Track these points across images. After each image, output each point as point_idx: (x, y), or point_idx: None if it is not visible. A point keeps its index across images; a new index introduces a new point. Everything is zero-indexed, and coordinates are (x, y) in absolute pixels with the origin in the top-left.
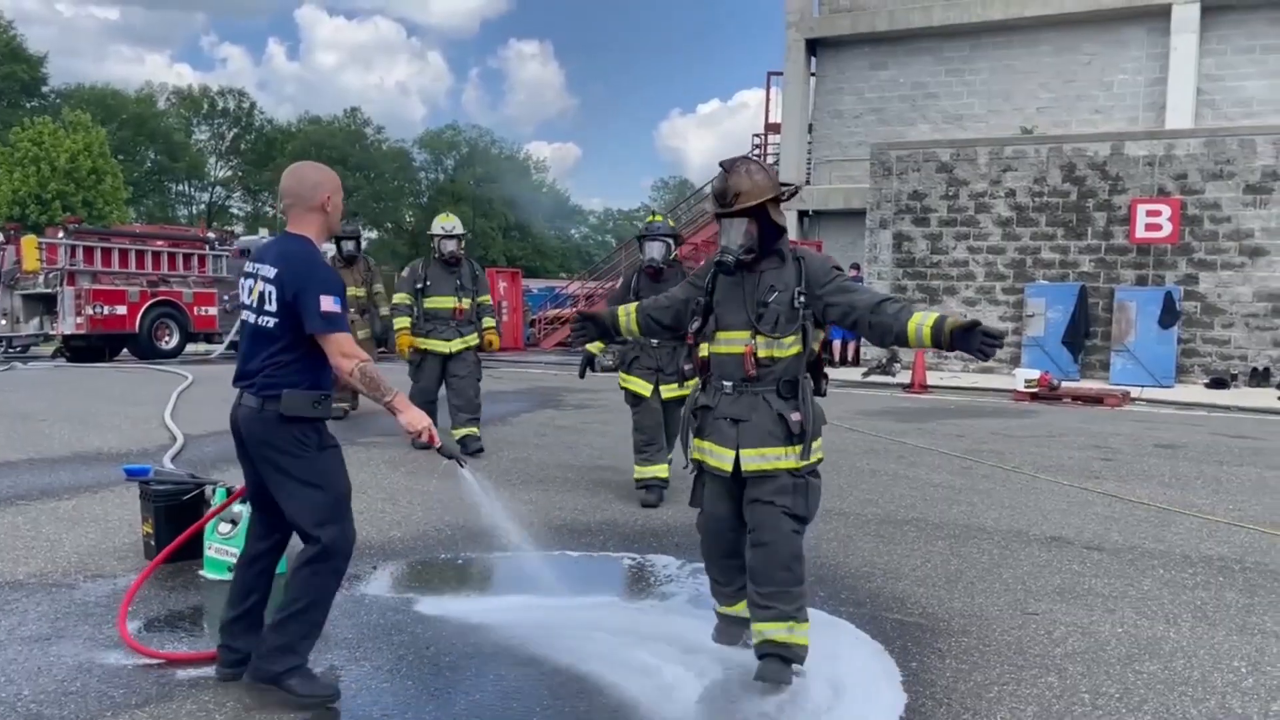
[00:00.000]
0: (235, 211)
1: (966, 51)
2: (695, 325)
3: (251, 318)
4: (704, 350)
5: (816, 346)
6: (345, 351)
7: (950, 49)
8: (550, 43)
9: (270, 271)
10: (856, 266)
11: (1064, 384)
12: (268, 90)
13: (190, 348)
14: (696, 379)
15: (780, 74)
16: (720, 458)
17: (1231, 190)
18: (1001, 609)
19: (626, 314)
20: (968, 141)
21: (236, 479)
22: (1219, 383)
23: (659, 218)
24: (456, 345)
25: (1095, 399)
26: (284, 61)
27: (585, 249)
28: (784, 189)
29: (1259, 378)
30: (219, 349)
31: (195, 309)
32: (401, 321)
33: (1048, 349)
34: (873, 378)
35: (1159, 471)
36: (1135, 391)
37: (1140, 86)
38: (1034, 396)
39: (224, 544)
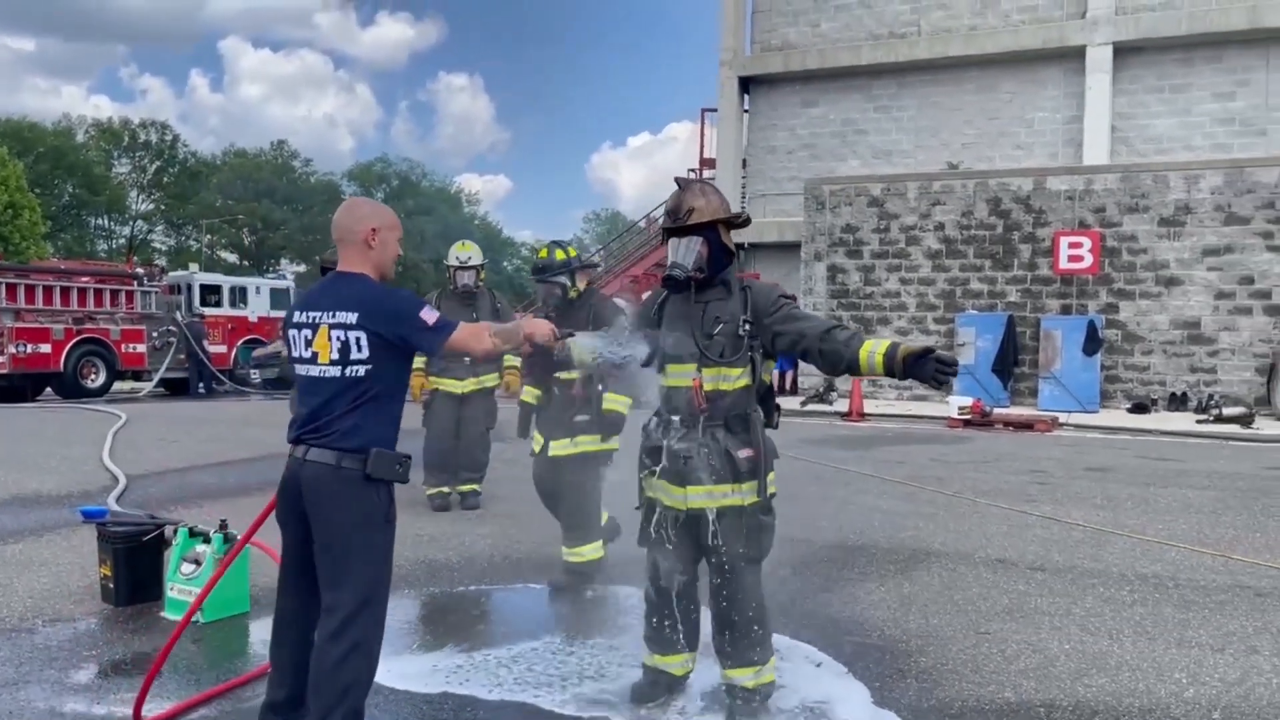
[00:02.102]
0: (158, 246)
1: (894, 89)
2: (645, 357)
3: (324, 371)
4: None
5: (767, 378)
6: (474, 337)
7: (879, 87)
8: (480, 76)
9: (352, 317)
10: (792, 298)
11: (996, 411)
12: (190, 122)
13: (118, 385)
14: (601, 435)
15: (714, 110)
16: (674, 496)
17: (1147, 223)
18: (956, 629)
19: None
20: (897, 176)
21: (192, 519)
22: (1140, 408)
23: (545, 254)
24: (470, 385)
25: (1026, 425)
26: (207, 93)
27: (518, 281)
28: (737, 215)
29: (1177, 402)
30: (148, 387)
31: (123, 346)
32: (415, 361)
33: (979, 377)
34: (811, 406)
35: (1091, 494)
36: (1063, 417)
37: (1058, 124)
38: (967, 423)
39: (187, 585)
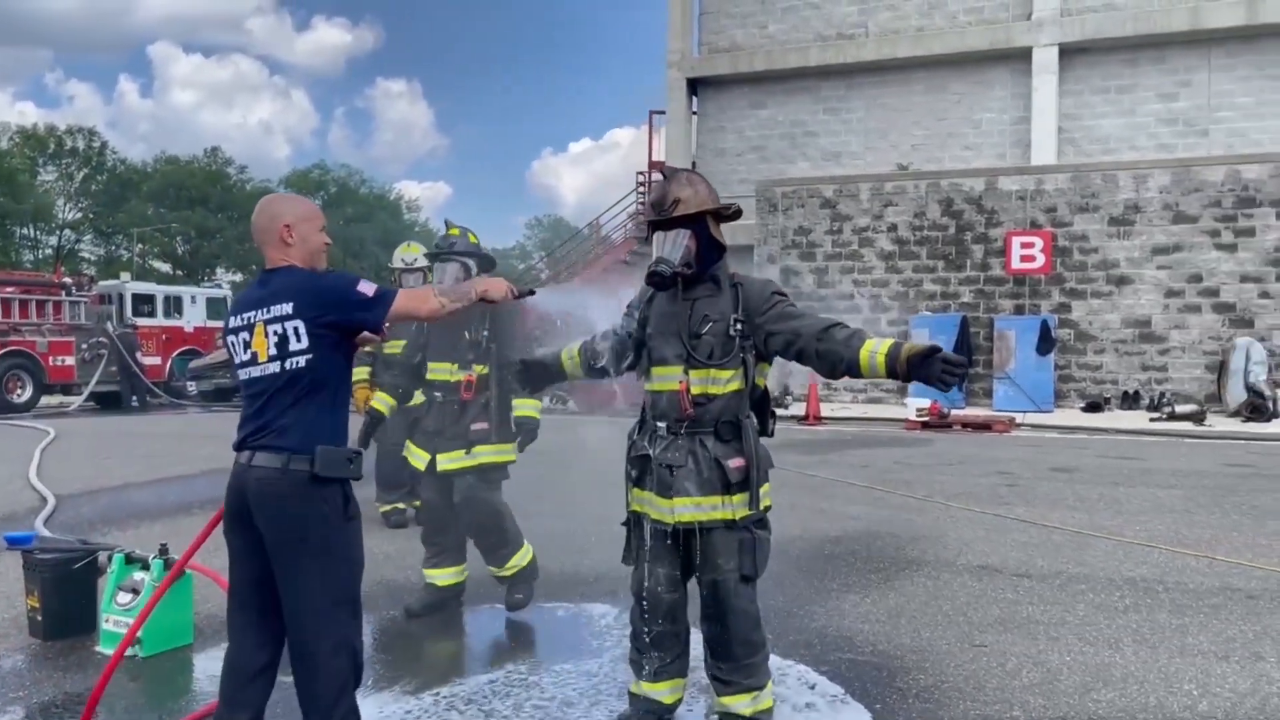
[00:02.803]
0: (86, 255)
1: (843, 91)
2: (629, 360)
3: (264, 370)
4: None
5: (761, 381)
6: (418, 300)
7: (827, 89)
8: (419, 82)
9: (287, 307)
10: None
11: (953, 412)
12: (119, 129)
13: (45, 400)
14: (502, 444)
15: (662, 112)
16: (661, 509)
17: (1097, 223)
18: (950, 643)
19: (570, 356)
20: (850, 178)
21: (128, 542)
22: (1094, 406)
23: (456, 231)
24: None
25: (984, 426)
26: (137, 99)
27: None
28: (727, 206)
29: (1130, 400)
30: (78, 401)
31: (50, 359)
32: (360, 371)
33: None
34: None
35: (1062, 495)
36: (1019, 417)
37: (1006, 125)
38: (925, 425)
39: (123, 616)
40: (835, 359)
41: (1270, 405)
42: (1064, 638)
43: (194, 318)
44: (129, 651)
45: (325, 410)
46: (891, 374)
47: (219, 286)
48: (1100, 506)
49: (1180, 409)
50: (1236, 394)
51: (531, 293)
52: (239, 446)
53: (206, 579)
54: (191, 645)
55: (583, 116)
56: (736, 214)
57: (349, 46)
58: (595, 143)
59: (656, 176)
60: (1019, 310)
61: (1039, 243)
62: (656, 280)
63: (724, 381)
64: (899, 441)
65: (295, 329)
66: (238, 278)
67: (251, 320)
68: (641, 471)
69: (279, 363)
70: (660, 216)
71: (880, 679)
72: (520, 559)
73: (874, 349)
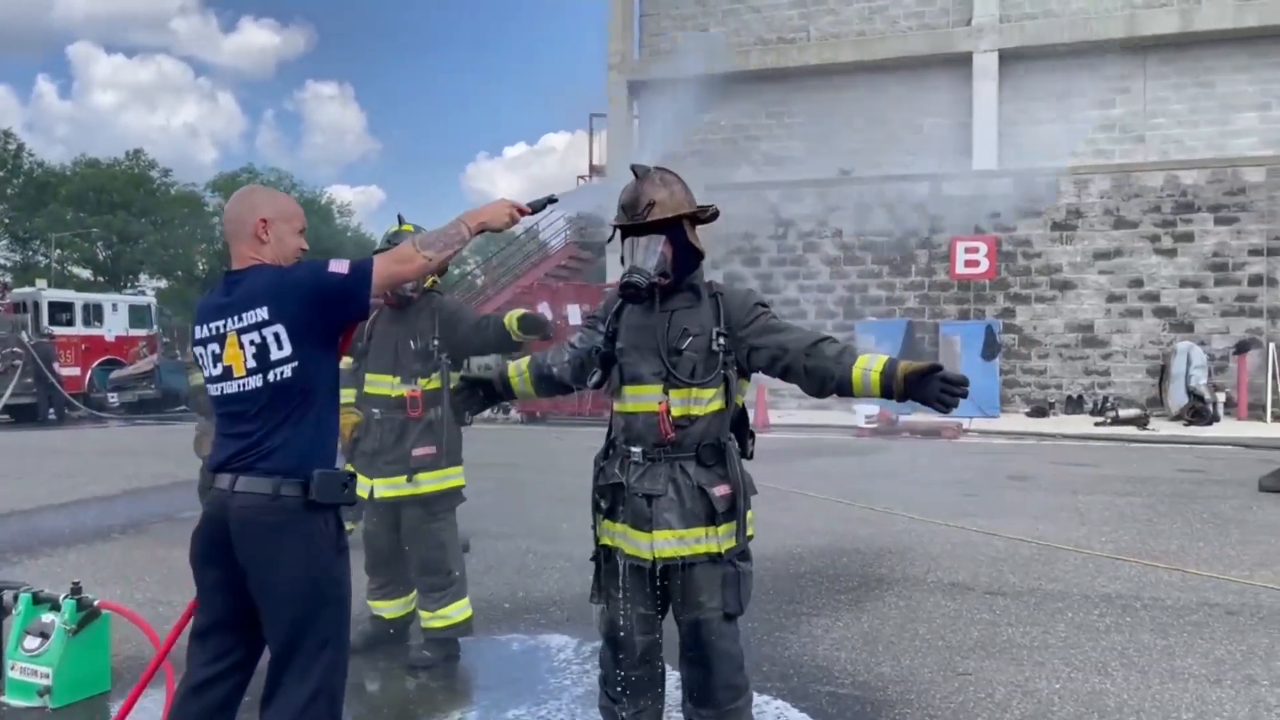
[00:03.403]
0: (1, 262)
1: (784, 95)
2: (595, 377)
3: (243, 385)
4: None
5: (740, 400)
6: (400, 260)
7: (769, 92)
8: (350, 85)
9: (262, 312)
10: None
11: (902, 418)
12: (36, 131)
13: None
14: (451, 469)
15: (602, 115)
16: (637, 544)
17: (1040, 227)
18: (932, 671)
19: (519, 373)
20: (795, 183)
21: (39, 572)
22: (1039, 411)
23: (410, 228)
24: None
25: (933, 432)
26: (55, 100)
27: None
28: (705, 208)
29: (1074, 405)
30: None
31: None
32: (345, 394)
33: None
34: None
35: (1022, 505)
36: (966, 422)
37: (947, 130)
38: (875, 432)
39: (31, 663)
40: (825, 376)
41: (1210, 409)
42: (1049, 662)
43: (115, 326)
44: (37, 702)
45: (317, 425)
46: (886, 393)
47: (142, 293)
48: (1063, 517)
49: (1124, 413)
50: (1178, 398)
51: (552, 199)
52: (219, 468)
53: (123, 619)
54: (109, 693)
55: (518, 120)
56: (714, 215)
57: (278, 48)
58: (530, 147)
59: (629, 176)
60: (964, 315)
61: (983, 248)
62: (631, 292)
63: (706, 401)
64: (851, 449)
65: (276, 335)
66: (162, 284)
67: (221, 330)
68: (613, 502)
69: (261, 375)
70: (633, 221)
71: (864, 714)
72: (455, 613)
73: (867, 366)
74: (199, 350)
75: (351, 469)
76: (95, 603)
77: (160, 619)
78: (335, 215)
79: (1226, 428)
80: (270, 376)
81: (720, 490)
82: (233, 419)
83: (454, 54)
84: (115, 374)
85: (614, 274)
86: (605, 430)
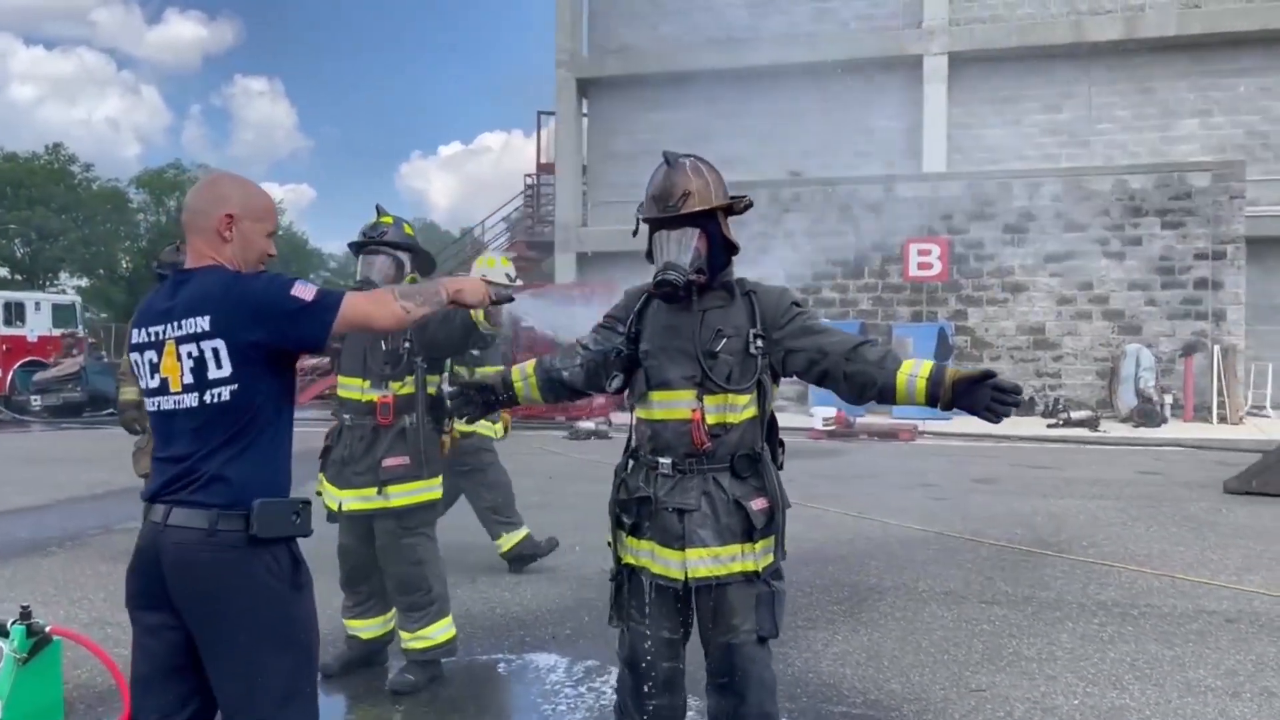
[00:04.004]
0: None
1: (736, 95)
2: (616, 382)
3: (178, 402)
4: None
5: (771, 407)
6: (375, 304)
7: (721, 92)
8: (280, 80)
9: (203, 322)
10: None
11: (858, 420)
12: None
13: None
14: (428, 480)
15: (551, 113)
16: (667, 563)
17: (993, 230)
18: (944, 687)
19: (524, 377)
20: (747, 183)
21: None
22: None
23: (389, 219)
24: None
25: (890, 434)
26: None
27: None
28: (740, 198)
29: (1025, 407)
30: None
31: None
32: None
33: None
34: None
35: (994, 509)
36: (920, 424)
37: (897, 132)
38: (831, 434)
39: None
40: (866, 382)
41: (1159, 411)
42: (1061, 676)
43: (38, 326)
44: None
45: (262, 455)
46: (932, 401)
47: (63, 292)
48: (1038, 521)
49: (1075, 415)
50: (1127, 400)
51: (510, 299)
52: (151, 498)
53: (77, 644)
54: None
55: (453, 119)
56: (748, 206)
57: (205, 41)
58: (465, 146)
59: (659, 163)
60: (916, 317)
61: (936, 250)
62: (667, 290)
63: (741, 408)
64: (810, 451)
65: (214, 350)
66: (83, 282)
67: (160, 337)
68: (638, 517)
69: (197, 394)
70: (667, 213)
71: None
72: (437, 633)
73: (912, 372)
74: (135, 357)
75: (306, 498)
76: (47, 628)
77: (111, 640)
78: None
79: (1174, 429)
80: (207, 397)
81: (758, 504)
82: (168, 439)
83: (388, 50)
84: (39, 376)
85: (564, 274)
86: (565, 433)
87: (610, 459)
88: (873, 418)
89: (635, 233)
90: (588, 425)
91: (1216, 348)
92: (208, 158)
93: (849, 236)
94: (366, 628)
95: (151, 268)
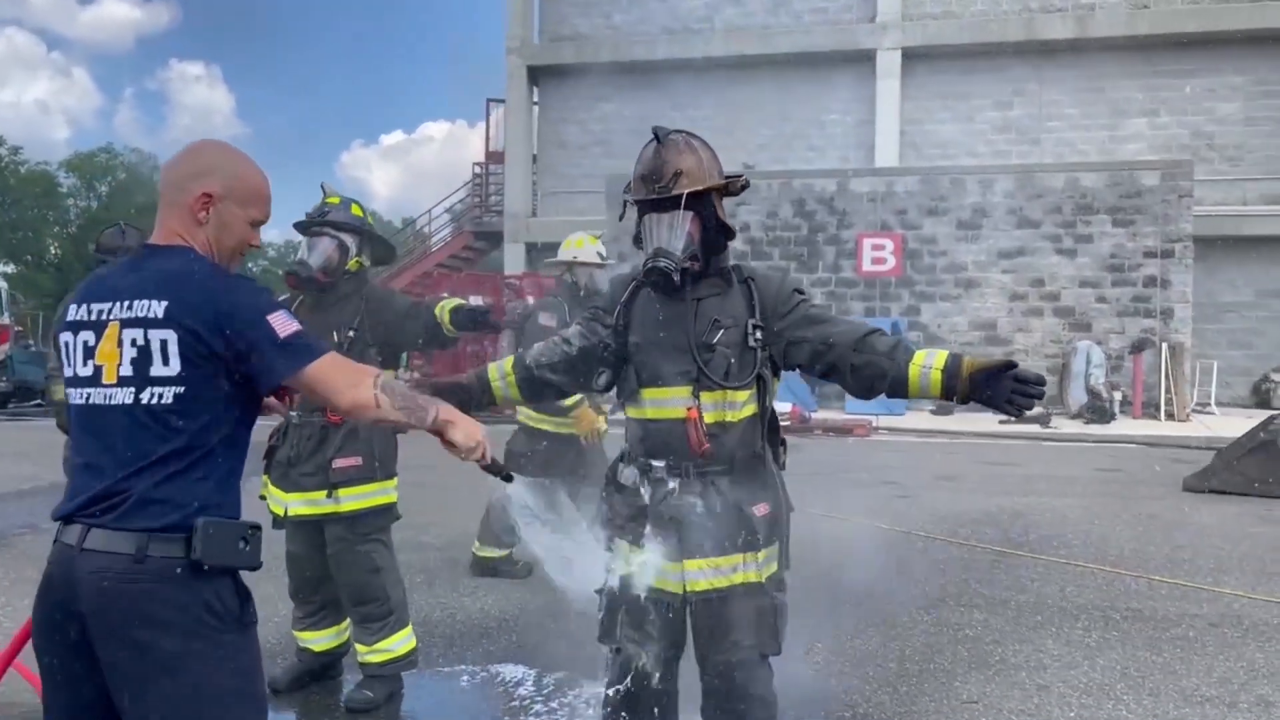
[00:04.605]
0: None
1: (689, 86)
2: (603, 379)
3: (108, 396)
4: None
5: (770, 403)
6: (347, 380)
7: (674, 83)
8: (219, 66)
9: (157, 307)
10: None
11: (813, 416)
12: None
13: None
14: (382, 483)
15: (500, 101)
16: (664, 575)
17: (947, 226)
18: (933, 698)
19: (502, 375)
20: None
21: None
22: (944, 409)
23: (336, 200)
24: None
25: (845, 430)
26: None
27: (266, 284)
28: (736, 178)
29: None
30: None
31: None
32: None
33: (787, 382)
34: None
35: (960, 507)
36: (874, 420)
37: (850, 127)
38: (786, 429)
39: None
40: (876, 375)
41: (1108, 407)
42: (1053, 685)
43: None
44: None
45: (206, 473)
46: (948, 394)
47: None
48: (1004, 519)
49: (1028, 411)
50: (1078, 396)
51: (509, 477)
52: (65, 519)
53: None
54: None
55: (396, 108)
56: (745, 186)
57: (139, 23)
58: (408, 136)
59: (648, 138)
60: (870, 312)
61: (889, 245)
62: (660, 279)
63: (740, 405)
64: None
65: (163, 343)
66: (9, 268)
67: (103, 316)
68: (634, 527)
69: (133, 390)
70: (658, 195)
71: None
72: (397, 644)
73: (926, 364)
74: (66, 338)
75: (256, 521)
76: None
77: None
78: None
79: (1123, 426)
80: (145, 396)
81: (760, 509)
82: (89, 441)
83: (330, 36)
84: None
85: (513, 265)
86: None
87: None
88: (827, 413)
89: (622, 216)
90: None
91: (1164, 345)
92: (141, 142)
93: (803, 230)
94: (319, 639)
95: (91, 253)
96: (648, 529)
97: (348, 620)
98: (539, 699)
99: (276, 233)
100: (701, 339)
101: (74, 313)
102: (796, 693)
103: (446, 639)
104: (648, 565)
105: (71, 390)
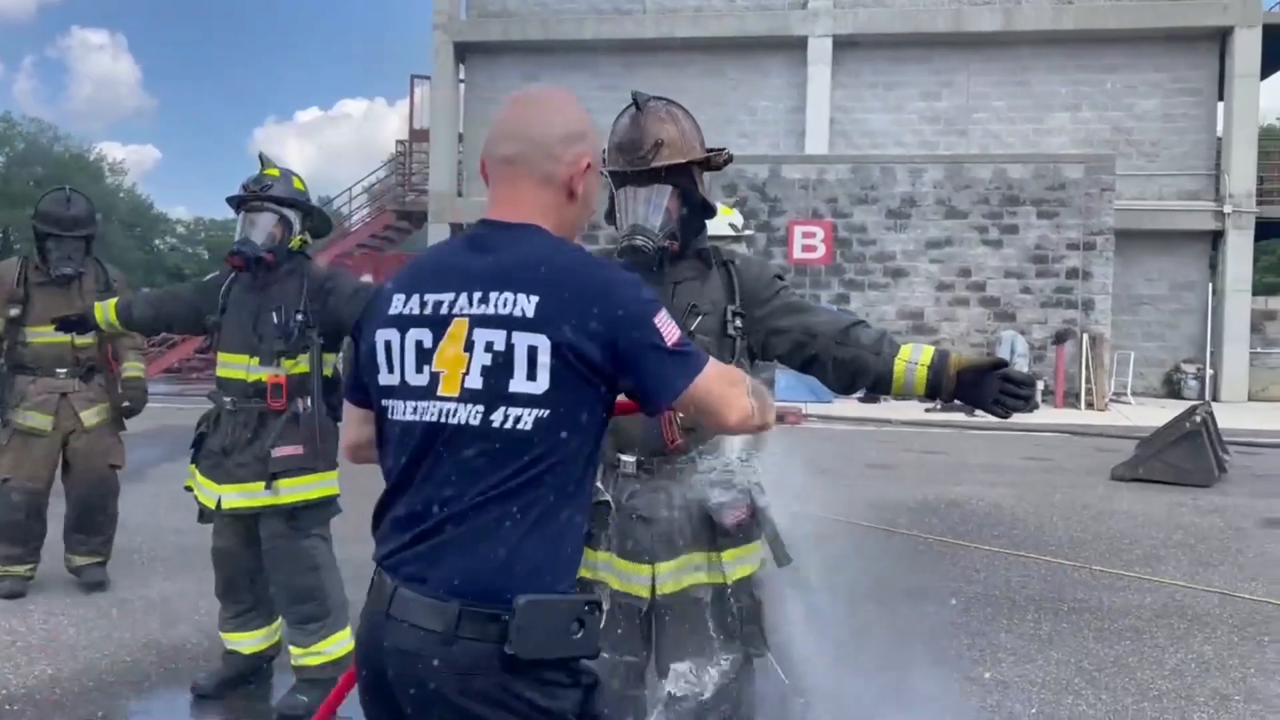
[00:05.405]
0: None
1: (620, 69)
2: None
3: (446, 412)
4: None
5: None
6: (732, 387)
7: (604, 64)
8: (123, 35)
9: (525, 304)
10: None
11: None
12: None
13: None
14: (325, 474)
15: (425, 78)
16: (631, 578)
17: (876, 214)
18: (893, 697)
19: None
20: None
21: None
22: (871, 397)
23: (275, 172)
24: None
25: (778, 418)
26: None
27: (174, 261)
28: (718, 151)
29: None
30: None
31: None
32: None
33: (799, 375)
34: None
35: (897, 496)
36: (804, 408)
37: (781, 114)
38: None
39: None
40: (859, 369)
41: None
42: (1011, 681)
43: None
44: None
45: (549, 516)
46: (932, 392)
47: None
48: (942, 509)
49: (1013, 414)
50: None
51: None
52: (384, 560)
53: None
54: None
55: (312, 83)
56: (728, 160)
57: None
58: (325, 113)
59: (627, 103)
60: None
61: (820, 233)
62: (637, 259)
63: None
64: None
65: (531, 351)
66: None
67: (443, 310)
68: (598, 526)
69: (480, 408)
70: (636, 167)
71: None
72: (334, 647)
73: (911, 359)
74: (388, 336)
75: (195, 473)
76: None
77: None
78: (106, 174)
79: (1046, 415)
80: (497, 417)
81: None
82: (411, 469)
83: (242, 6)
84: None
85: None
86: None
87: None
88: None
89: (613, 188)
90: None
91: (1085, 336)
92: (40, 111)
93: (714, 214)
94: (249, 641)
95: (28, 220)
96: (611, 528)
97: (279, 620)
98: None
99: (184, 209)
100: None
101: (399, 304)
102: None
103: None
104: (611, 567)
105: (392, 403)
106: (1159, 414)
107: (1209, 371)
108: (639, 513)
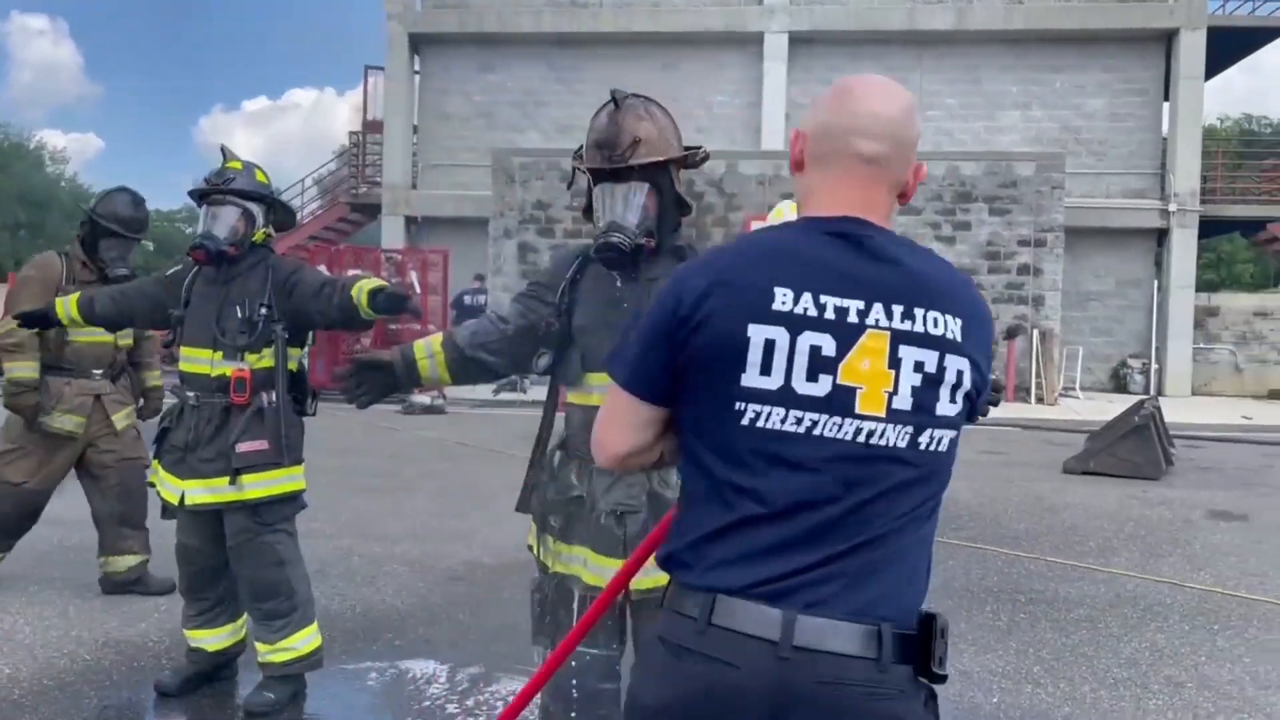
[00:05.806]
0: None
1: (576, 61)
2: (544, 361)
3: (873, 431)
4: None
5: None
6: None
7: (560, 57)
8: (64, 20)
9: (953, 326)
10: (481, 278)
11: None
12: None
13: None
14: (290, 469)
15: (379, 69)
16: (605, 572)
17: None
18: None
19: (429, 354)
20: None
21: None
22: None
23: (237, 165)
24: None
25: None
26: None
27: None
28: (695, 150)
29: None
30: None
31: None
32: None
33: None
34: (504, 395)
35: None
36: None
37: (737, 109)
38: None
39: None
40: None
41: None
42: (973, 671)
43: None
44: None
45: (925, 550)
46: None
47: None
48: None
49: (981, 417)
50: None
51: None
52: (775, 586)
53: None
54: None
55: (259, 72)
56: (704, 159)
57: None
58: (273, 102)
59: (605, 101)
60: None
61: None
62: (613, 256)
63: None
64: None
65: (959, 375)
66: None
67: (853, 318)
68: (568, 519)
69: (910, 430)
70: (614, 164)
71: None
72: (301, 643)
73: None
74: (772, 334)
75: (159, 469)
76: None
77: None
78: (47, 162)
79: (998, 409)
80: (924, 439)
81: None
82: (818, 490)
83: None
84: None
85: (392, 238)
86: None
87: (451, 436)
88: None
89: (570, 184)
90: (423, 400)
91: (1035, 331)
92: None
93: (691, 213)
94: (213, 638)
95: (87, 217)
96: (587, 523)
97: (244, 617)
98: (453, 698)
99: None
100: None
101: (788, 301)
102: None
103: (349, 633)
104: (585, 561)
105: (765, 409)
106: (1107, 408)
107: (1154, 366)
108: (613, 507)
